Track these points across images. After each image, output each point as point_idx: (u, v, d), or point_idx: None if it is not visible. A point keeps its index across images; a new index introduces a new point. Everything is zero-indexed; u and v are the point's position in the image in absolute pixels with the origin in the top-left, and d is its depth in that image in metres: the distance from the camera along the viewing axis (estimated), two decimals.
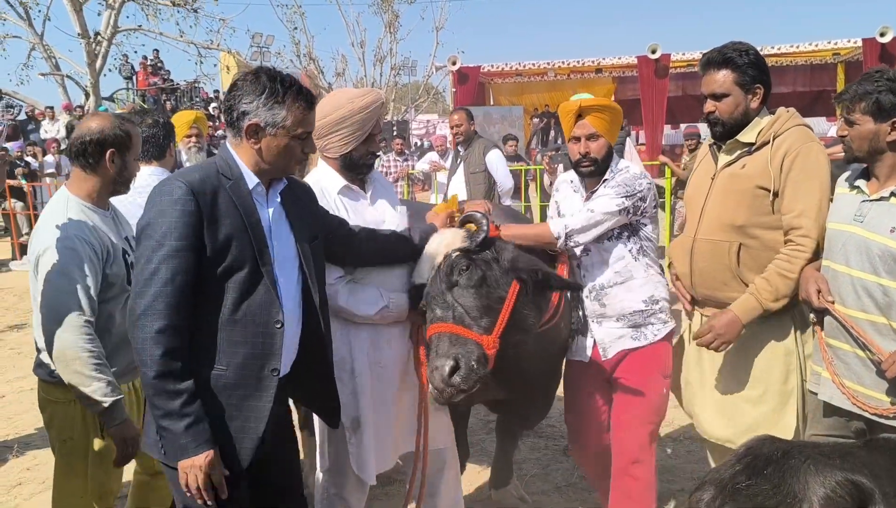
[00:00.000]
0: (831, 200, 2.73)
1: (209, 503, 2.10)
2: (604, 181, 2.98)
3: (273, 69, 2.24)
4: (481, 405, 3.74)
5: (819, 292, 2.57)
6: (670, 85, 17.53)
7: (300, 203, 2.40)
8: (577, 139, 2.97)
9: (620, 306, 2.96)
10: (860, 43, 15.67)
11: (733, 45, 2.77)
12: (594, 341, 3.02)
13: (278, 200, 2.30)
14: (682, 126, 15.95)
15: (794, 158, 2.67)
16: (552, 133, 19.60)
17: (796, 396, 2.81)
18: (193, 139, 4.95)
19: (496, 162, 6.74)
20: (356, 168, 2.79)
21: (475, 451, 4.21)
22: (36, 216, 11.93)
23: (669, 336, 3.05)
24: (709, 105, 2.82)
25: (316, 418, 2.85)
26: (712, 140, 2.93)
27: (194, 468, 2.05)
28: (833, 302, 2.55)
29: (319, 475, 2.90)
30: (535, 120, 20.34)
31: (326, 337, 2.42)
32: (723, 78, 2.76)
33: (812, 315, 2.70)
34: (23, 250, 12.01)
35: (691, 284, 2.96)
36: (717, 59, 2.77)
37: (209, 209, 2.08)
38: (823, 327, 2.62)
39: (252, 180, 2.20)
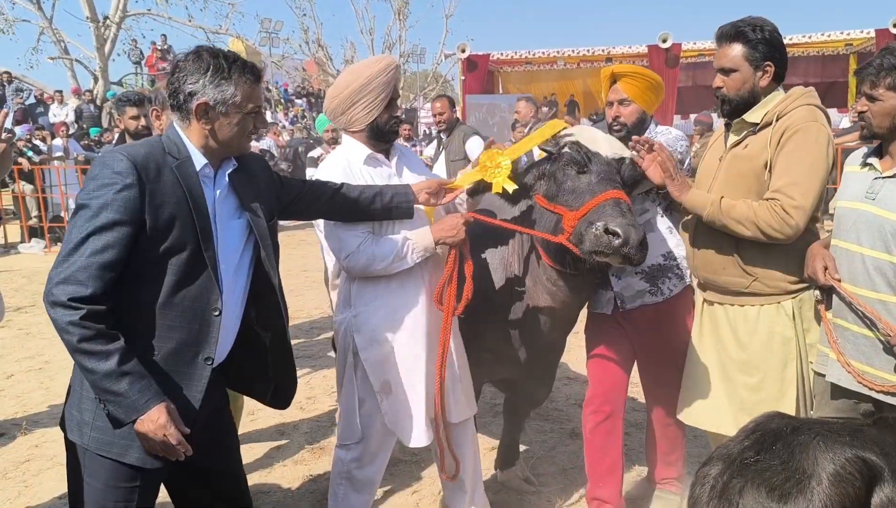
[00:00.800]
0: (834, 187, 2.69)
1: (181, 457, 2.00)
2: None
3: (213, 47, 2.18)
4: (489, 386, 3.76)
5: (826, 269, 2.55)
6: (681, 75, 17.38)
7: (254, 181, 2.31)
8: (611, 104, 3.10)
9: None
10: (873, 34, 15.48)
11: (749, 20, 2.71)
12: (613, 294, 3.09)
13: (226, 181, 2.22)
14: (693, 116, 15.84)
15: (793, 134, 2.61)
16: None
17: (796, 384, 2.79)
18: None
19: (476, 149, 6.72)
20: (383, 136, 2.80)
21: (481, 433, 4.21)
22: (45, 200, 11.97)
23: (686, 292, 3.17)
24: (717, 80, 2.77)
25: (342, 391, 2.90)
26: (726, 119, 2.89)
27: (153, 424, 1.94)
28: (840, 280, 2.52)
29: (337, 449, 2.96)
30: (545, 109, 20.24)
31: (283, 319, 2.35)
32: (732, 52, 2.70)
33: (817, 293, 2.67)
34: (32, 232, 12.07)
35: (693, 265, 2.96)
36: (729, 32, 2.71)
37: (152, 186, 2.00)
38: (830, 306, 2.60)
39: (200, 161, 2.13)
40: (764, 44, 2.68)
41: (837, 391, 2.61)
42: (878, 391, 2.44)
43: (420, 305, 2.80)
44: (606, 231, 2.41)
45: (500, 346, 3.13)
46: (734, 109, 2.76)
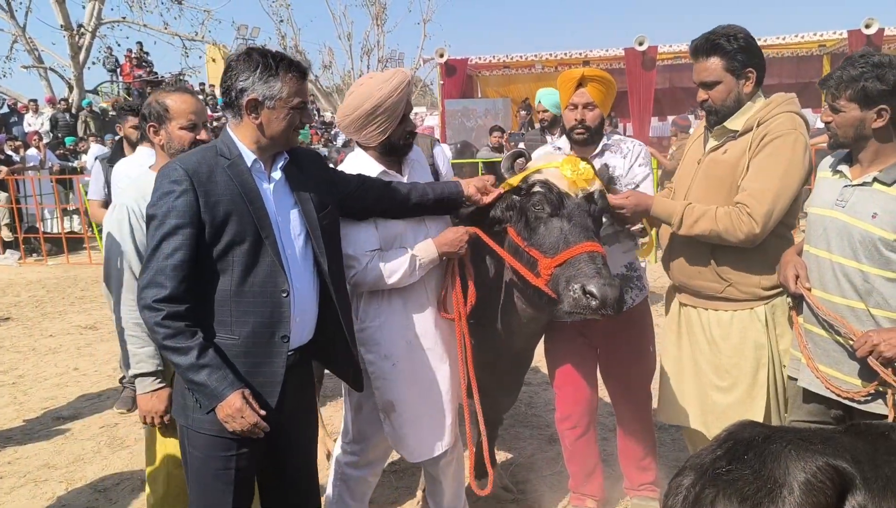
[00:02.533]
0: (808, 188, 2.72)
1: (260, 435, 2.23)
2: (604, 147, 3.17)
3: (262, 47, 2.34)
4: None
5: (797, 277, 2.57)
6: (657, 77, 17.47)
7: (307, 173, 2.45)
8: (575, 107, 3.11)
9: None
10: (846, 35, 15.68)
11: (722, 30, 2.71)
12: None
13: (279, 175, 2.37)
14: (670, 118, 15.94)
15: (771, 140, 2.64)
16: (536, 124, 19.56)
17: (766, 389, 2.81)
18: None
19: (441, 157, 6.70)
20: (396, 151, 2.80)
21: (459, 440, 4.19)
22: (19, 210, 11.81)
23: (645, 302, 3.28)
24: (701, 94, 2.78)
25: (345, 390, 2.96)
26: (706, 124, 2.90)
27: (231, 409, 2.16)
28: (810, 289, 2.54)
29: (338, 445, 3.00)
30: (523, 112, 20.33)
31: (340, 304, 2.45)
32: (712, 66, 2.71)
33: (789, 300, 2.70)
34: (6, 245, 11.90)
35: (669, 269, 2.98)
36: (704, 46, 2.71)
37: (204, 188, 2.19)
38: (801, 311, 2.62)
39: (250, 158, 2.29)
40: (742, 52, 2.69)
41: (809, 396, 2.62)
42: (844, 398, 2.46)
43: (426, 322, 2.81)
44: (584, 292, 2.42)
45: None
46: (722, 118, 2.78)
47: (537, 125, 7.29)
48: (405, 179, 2.83)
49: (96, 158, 5.30)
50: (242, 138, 2.30)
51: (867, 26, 15.06)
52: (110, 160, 4.94)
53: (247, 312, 2.25)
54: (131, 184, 2.86)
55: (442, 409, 2.84)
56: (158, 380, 2.67)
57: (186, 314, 2.17)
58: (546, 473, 3.96)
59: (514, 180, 2.77)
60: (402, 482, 3.94)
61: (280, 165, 2.37)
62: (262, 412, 2.22)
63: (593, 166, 2.78)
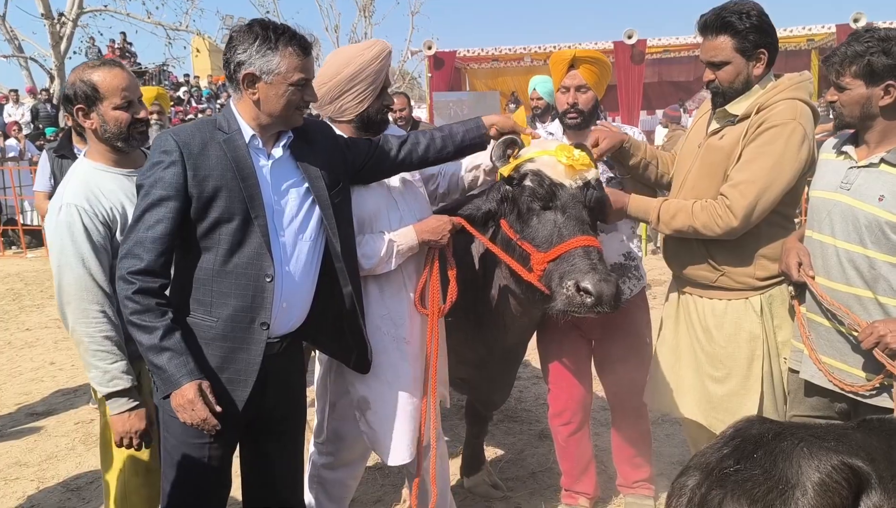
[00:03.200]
0: (808, 180, 2.60)
1: (209, 434, 2.15)
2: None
3: (266, 19, 2.24)
4: (451, 387, 3.62)
5: (800, 265, 2.45)
6: (646, 71, 17.48)
7: (317, 148, 2.35)
8: (567, 89, 2.99)
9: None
10: (834, 29, 15.71)
11: (733, 6, 2.53)
12: None
13: (280, 152, 2.26)
14: (659, 112, 15.90)
15: (767, 129, 2.49)
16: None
17: (761, 382, 2.70)
18: (155, 116, 4.82)
19: None
20: (373, 126, 2.64)
21: (447, 436, 4.07)
22: None
23: (643, 292, 3.21)
24: (708, 73, 2.61)
25: (318, 389, 2.84)
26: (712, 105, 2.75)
27: (182, 399, 2.07)
28: (814, 276, 2.43)
29: (312, 446, 2.87)
30: (512, 106, 20.30)
31: (354, 286, 2.39)
32: (721, 45, 2.54)
33: (791, 289, 2.58)
34: None
35: (666, 257, 2.89)
36: (714, 23, 2.53)
37: (194, 161, 2.11)
38: (803, 301, 2.51)
39: (248, 133, 2.20)
40: (754, 31, 2.52)
41: (812, 389, 2.52)
42: (848, 391, 2.35)
43: (403, 313, 2.66)
44: (578, 289, 2.30)
45: (459, 346, 3.00)
46: (728, 100, 2.63)
47: (529, 113, 7.19)
48: None
49: (44, 149, 5.11)
50: (243, 113, 2.21)
51: (855, 20, 15.08)
52: (56, 150, 4.75)
53: (227, 293, 2.17)
54: (77, 180, 2.46)
55: (419, 407, 2.70)
56: (134, 400, 2.40)
57: (159, 291, 2.11)
58: (536, 469, 3.86)
59: (506, 170, 2.62)
60: (388, 479, 3.82)
61: (283, 143, 2.27)
62: (218, 409, 2.11)
63: (589, 152, 2.64)
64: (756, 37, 2.52)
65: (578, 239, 2.41)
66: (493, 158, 2.67)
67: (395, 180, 2.70)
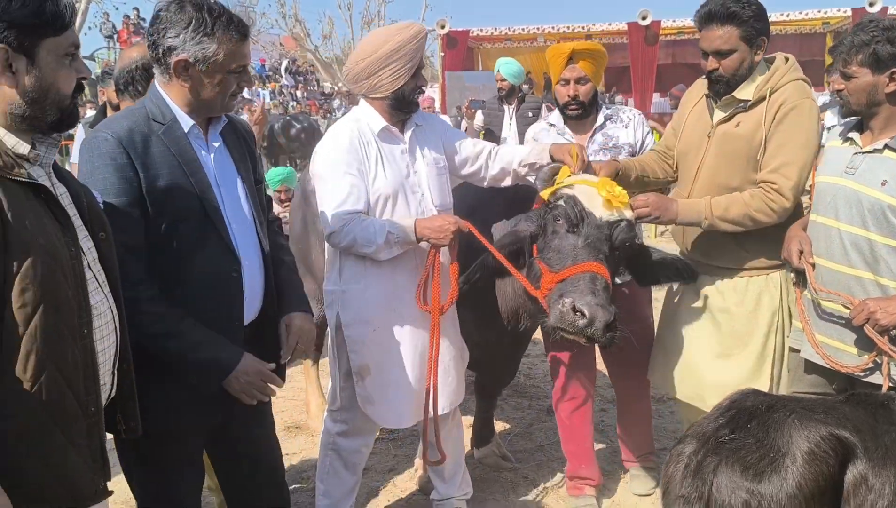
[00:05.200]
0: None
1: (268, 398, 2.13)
2: (606, 117, 3.14)
3: None
4: None
5: (801, 252, 2.56)
6: (660, 52, 17.37)
7: (242, 143, 2.28)
8: (567, 82, 3.07)
9: None
10: (850, 12, 15.55)
11: None
12: None
13: (218, 142, 2.16)
14: (671, 91, 15.84)
15: (788, 111, 2.62)
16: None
17: (773, 357, 2.83)
18: None
19: None
20: (406, 105, 2.72)
21: (460, 410, 4.22)
22: None
23: None
24: (711, 62, 2.71)
25: (331, 359, 2.90)
26: (707, 92, 2.86)
27: (251, 369, 2.05)
28: (814, 265, 2.54)
29: (328, 415, 2.99)
30: (525, 86, 20.19)
31: (276, 283, 2.32)
32: (727, 34, 2.65)
33: (792, 274, 2.70)
34: None
35: (682, 241, 2.96)
36: (720, 12, 2.63)
37: (141, 160, 1.95)
38: (804, 286, 2.62)
39: (187, 123, 2.06)
40: (756, 19, 2.65)
41: (811, 367, 2.63)
42: (843, 371, 2.46)
43: (408, 292, 2.75)
44: (573, 309, 2.38)
45: (469, 327, 3.10)
46: (731, 88, 2.74)
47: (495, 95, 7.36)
48: (406, 141, 2.77)
49: (81, 123, 5.25)
50: (175, 100, 2.05)
51: (871, 4, 14.92)
52: (92, 125, 4.90)
53: (198, 296, 2.06)
54: None
55: (417, 381, 2.80)
56: None
57: (162, 295, 1.99)
58: (545, 443, 3.98)
59: (547, 193, 2.72)
60: (401, 450, 3.96)
61: (219, 129, 2.17)
62: (272, 365, 2.12)
63: (629, 194, 2.68)
64: (758, 25, 2.66)
65: (588, 264, 2.48)
66: (538, 182, 2.77)
67: (418, 165, 2.79)
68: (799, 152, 2.62)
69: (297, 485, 3.62)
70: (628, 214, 2.62)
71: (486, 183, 2.97)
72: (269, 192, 6.18)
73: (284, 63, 24.35)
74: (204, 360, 2.01)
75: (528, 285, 2.62)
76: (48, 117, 1.60)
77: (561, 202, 2.62)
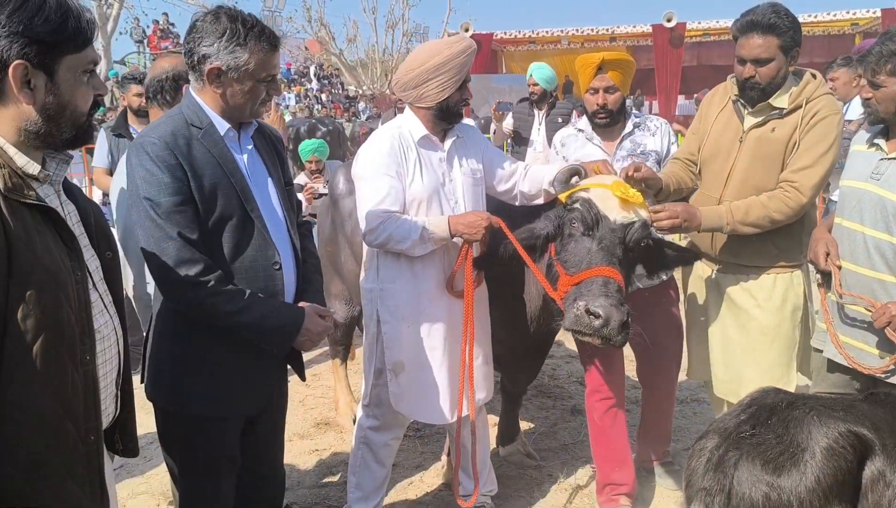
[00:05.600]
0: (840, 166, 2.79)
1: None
2: (634, 125, 3.21)
3: (233, 9, 2.15)
4: None
5: (827, 254, 2.61)
6: (685, 54, 17.28)
7: (271, 147, 2.40)
8: (596, 91, 3.14)
9: None
10: (879, 13, 15.39)
11: (773, 9, 2.75)
12: None
13: (250, 145, 2.28)
14: (696, 95, 15.76)
15: (820, 120, 2.74)
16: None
17: (798, 353, 2.92)
18: None
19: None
20: (450, 116, 2.84)
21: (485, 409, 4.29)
22: None
23: (672, 277, 3.32)
24: (748, 69, 2.79)
25: (366, 355, 3.00)
26: (735, 96, 2.93)
27: (315, 323, 2.23)
28: (840, 267, 2.58)
29: (360, 410, 3.09)
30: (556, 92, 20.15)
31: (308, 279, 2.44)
32: (768, 43, 2.74)
33: (818, 276, 2.75)
34: None
35: (710, 245, 3.01)
36: (762, 23, 2.73)
37: (188, 162, 2.06)
38: (829, 288, 2.66)
39: (223, 126, 2.17)
40: (792, 30, 2.76)
41: (833, 366, 2.67)
42: (866, 372, 2.50)
43: (440, 291, 2.86)
44: (588, 312, 2.45)
45: (495, 327, 3.16)
46: (766, 95, 2.83)
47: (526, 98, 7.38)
48: (444, 150, 2.87)
49: (101, 127, 5.46)
50: (210, 105, 2.16)
51: None
52: (113, 129, 5.10)
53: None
54: None
55: (450, 377, 2.90)
56: None
57: (226, 276, 2.12)
58: (568, 442, 4.04)
59: (564, 196, 2.81)
60: (428, 447, 4.04)
61: (250, 133, 2.29)
62: (333, 311, 2.28)
63: (644, 194, 2.76)
64: (794, 35, 2.76)
65: (601, 269, 2.55)
66: (555, 184, 2.85)
67: (455, 174, 2.88)
68: (823, 159, 2.74)
69: (326, 479, 3.72)
70: (643, 214, 2.70)
71: (517, 201, 3.07)
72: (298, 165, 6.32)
73: (312, 68, 24.60)
74: (276, 326, 2.16)
75: (548, 286, 2.71)
76: (63, 135, 1.57)
77: (577, 205, 2.71)
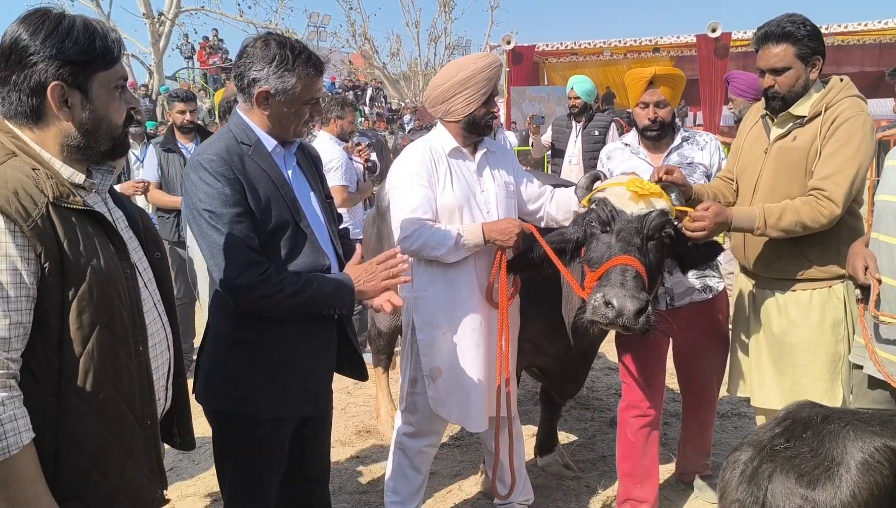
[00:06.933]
0: (876, 177, 2.74)
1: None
2: (684, 140, 3.24)
3: (282, 36, 2.28)
4: (528, 374, 3.86)
5: (866, 268, 2.59)
6: (730, 64, 17.02)
7: (312, 164, 2.52)
8: (646, 105, 3.18)
9: None
10: None
11: (789, 18, 2.77)
12: (664, 289, 3.18)
13: (294, 161, 2.40)
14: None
15: (841, 123, 2.71)
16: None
17: (842, 367, 2.87)
18: None
19: (506, 143, 6.85)
20: (477, 129, 2.93)
21: (523, 419, 4.31)
22: None
23: (724, 291, 3.31)
24: (767, 80, 2.82)
25: (404, 360, 3.08)
26: (764, 111, 2.94)
27: (362, 280, 2.29)
28: (880, 280, 2.56)
29: (398, 416, 3.17)
30: (596, 105, 20.07)
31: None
32: (783, 52, 2.76)
33: (857, 292, 2.72)
34: None
35: (744, 256, 3.02)
36: (776, 32, 2.76)
37: (243, 176, 2.17)
38: (867, 303, 2.63)
39: (270, 143, 2.29)
40: (811, 39, 2.76)
41: (874, 383, 2.64)
42: None
43: (475, 298, 2.93)
44: (605, 302, 2.49)
45: (540, 338, 3.23)
46: (787, 105, 2.83)
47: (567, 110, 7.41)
48: (475, 162, 2.96)
49: (150, 143, 5.71)
50: (257, 123, 2.28)
51: None
52: (163, 145, 5.33)
53: None
54: None
55: (486, 384, 2.95)
56: None
57: (275, 270, 2.19)
58: (606, 454, 4.05)
59: (585, 201, 2.88)
60: (466, 456, 4.09)
61: (293, 151, 2.39)
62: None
63: (663, 185, 2.79)
64: (813, 44, 2.76)
65: (619, 258, 2.59)
66: (577, 191, 2.94)
67: (487, 184, 2.96)
68: (850, 162, 2.69)
69: (367, 486, 3.79)
70: (659, 203, 2.71)
71: (543, 222, 3.13)
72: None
73: (369, 91, 24.85)
74: (335, 286, 2.24)
75: (576, 286, 2.76)
76: (101, 147, 1.68)
77: (594, 206, 2.77)
